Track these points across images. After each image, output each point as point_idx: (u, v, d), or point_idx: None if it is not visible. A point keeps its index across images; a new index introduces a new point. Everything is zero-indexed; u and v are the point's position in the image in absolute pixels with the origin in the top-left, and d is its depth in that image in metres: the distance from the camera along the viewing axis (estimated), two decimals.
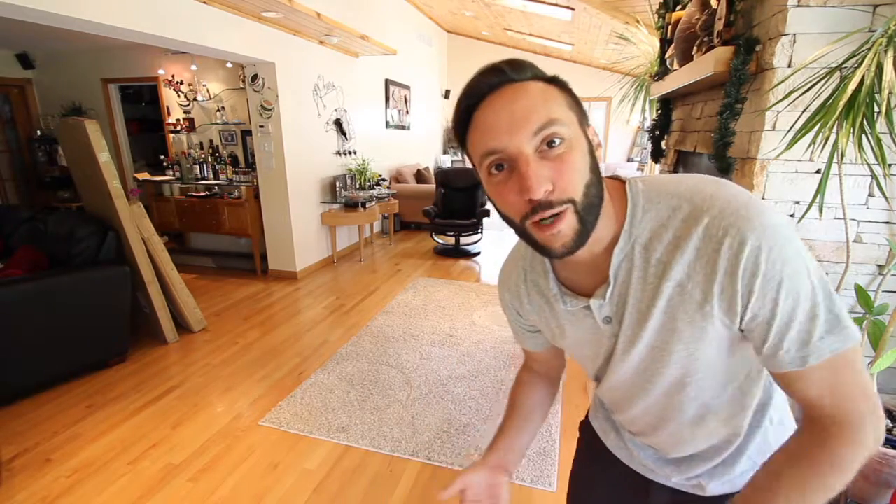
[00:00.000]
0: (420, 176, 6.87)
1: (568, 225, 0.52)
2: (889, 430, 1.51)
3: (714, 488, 0.70)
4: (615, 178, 0.61)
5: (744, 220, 0.50)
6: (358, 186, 5.12)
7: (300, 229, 4.44)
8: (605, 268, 0.59)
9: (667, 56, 2.37)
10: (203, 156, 4.93)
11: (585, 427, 0.92)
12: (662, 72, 2.50)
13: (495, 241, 5.84)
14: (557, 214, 0.51)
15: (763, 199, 1.55)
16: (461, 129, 0.56)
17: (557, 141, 0.50)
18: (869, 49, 1.22)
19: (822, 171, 1.44)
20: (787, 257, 0.49)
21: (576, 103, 0.55)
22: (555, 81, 0.55)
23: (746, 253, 0.50)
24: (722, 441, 0.67)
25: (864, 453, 0.51)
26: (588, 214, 0.52)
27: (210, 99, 5.08)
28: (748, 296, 0.51)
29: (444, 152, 9.29)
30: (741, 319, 0.53)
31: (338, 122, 4.94)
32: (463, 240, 5.48)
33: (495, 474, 0.76)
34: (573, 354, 0.74)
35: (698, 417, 0.65)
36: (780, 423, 0.69)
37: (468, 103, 0.54)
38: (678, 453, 0.71)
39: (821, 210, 1.42)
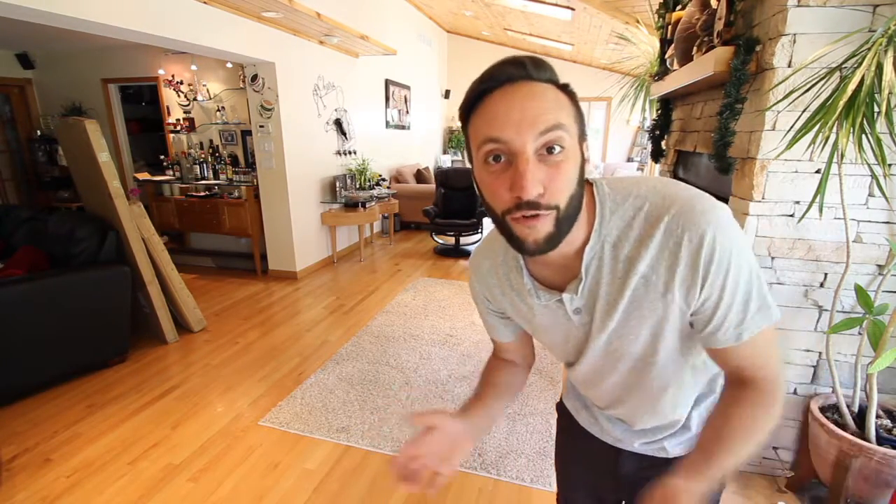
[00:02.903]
0: (420, 176, 6.87)
1: (544, 226, 0.54)
2: (889, 430, 1.51)
3: (674, 450, 0.80)
4: None
5: (699, 216, 0.56)
6: (358, 186, 5.12)
7: (300, 229, 4.44)
8: (575, 266, 0.63)
9: (667, 56, 2.37)
10: (203, 156, 4.93)
11: (561, 407, 0.98)
12: (662, 72, 2.50)
13: None
14: (539, 214, 0.53)
15: (763, 199, 1.55)
16: (468, 109, 0.57)
17: (558, 148, 0.52)
18: (869, 49, 1.22)
19: (822, 171, 1.44)
20: (734, 248, 0.56)
21: (580, 116, 0.57)
22: (566, 89, 0.57)
23: (705, 246, 0.56)
24: (680, 409, 0.76)
25: (781, 399, 0.64)
26: (564, 223, 0.56)
27: (210, 99, 5.08)
28: (703, 282, 0.57)
29: (444, 152, 9.29)
30: (695, 304, 0.60)
31: (338, 122, 4.94)
32: (463, 240, 5.48)
33: (465, 439, 0.72)
34: (545, 342, 0.78)
35: (660, 390, 0.72)
36: None
37: (484, 87, 0.55)
38: (643, 425, 0.79)
39: (821, 210, 1.42)
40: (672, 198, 0.58)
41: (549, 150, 0.52)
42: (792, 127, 1.42)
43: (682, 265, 0.57)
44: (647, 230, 0.59)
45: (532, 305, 0.71)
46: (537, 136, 0.51)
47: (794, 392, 1.72)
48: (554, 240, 0.56)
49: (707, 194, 0.59)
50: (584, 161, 0.57)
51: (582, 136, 0.57)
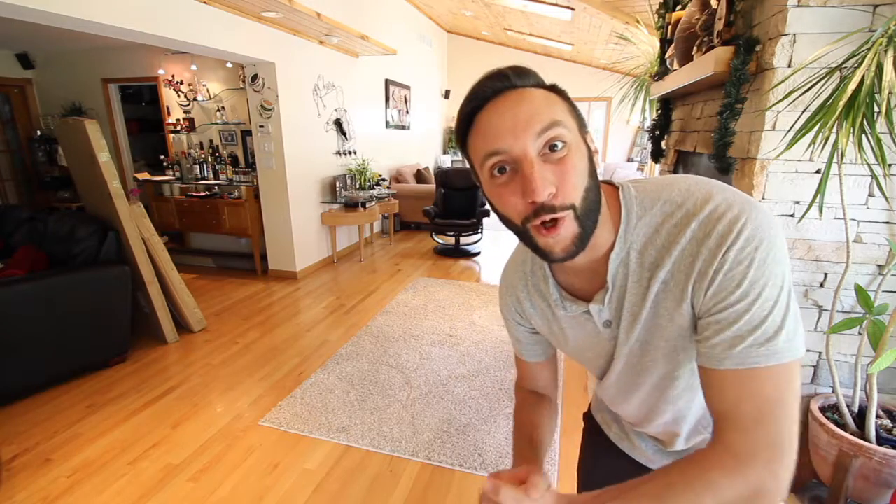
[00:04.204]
0: (420, 176, 6.87)
1: (568, 230, 0.53)
2: (889, 430, 1.51)
3: None
4: (608, 183, 0.62)
5: (727, 223, 0.51)
6: (358, 186, 5.12)
7: (300, 229, 4.44)
8: (603, 273, 0.60)
9: (667, 56, 2.37)
10: (203, 156, 4.93)
11: (589, 418, 0.94)
12: (662, 72, 2.50)
13: (495, 241, 5.84)
14: (558, 219, 0.52)
15: (763, 199, 1.55)
16: (463, 132, 0.57)
17: (560, 144, 0.51)
18: (869, 49, 1.21)
19: (822, 171, 1.43)
20: (758, 261, 0.49)
21: (575, 110, 0.56)
22: (555, 89, 0.56)
23: (722, 253, 0.51)
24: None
25: (754, 485, 0.47)
26: (587, 219, 0.53)
27: (210, 99, 5.08)
28: (709, 289, 0.52)
29: (444, 152, 9.29)
30: (701, 300, 0.53)
31: (338, 122, 4.94)
32: (463, 240, 5.48)
33: None
34: (576, 357, 0.75)
35: (688, 410, 0.67)
36: None
37: (472, 106, 0.55)
38: (677, 446, 0.73)
39: (821, 210, 1.42)
40: (706, 199, 0.54)
41: (552, 147, 0.51)
42: (792, 127, 1.42)
43: (696, 271, 0.53)
44: (674, 236, 0.55)
45: (560, 317, 0.69)
46: (536, 138, 0.51)
47: None
48: (582, 239, 0.54)
49: (753, 199, 0.54)
50: (591, 152, 0.55)
51: (582, 129, 0.55)
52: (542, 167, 0.51)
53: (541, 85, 0.55)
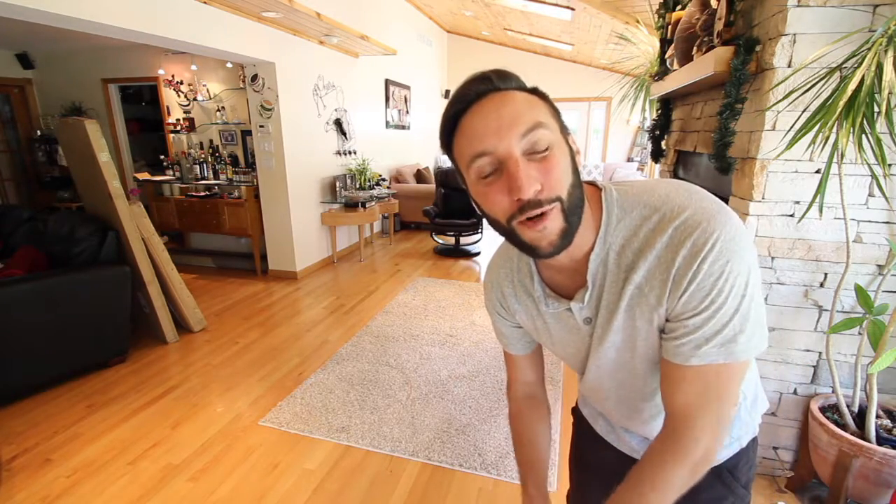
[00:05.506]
0: (420, 176, 6.88)
1: (554, 223, 0.54)
2: (889, 430, 1.51)
3: None
4: (591, 183, 0.63)
5: (701, 233, 0.53)
6: (358, 186, 5.12)
7: (300, 229, 4.44)
8: (583, 272, 0.62)
9: (667, 56, 2.37)
10: (203, 156, 4.92)
11: (577, 413, 0.96)
12: (662, 72, 2.50)
13: (495, 241, 5.83)
14: (545, 212, 0.53)
15: (763, 199, 1.55)
16: (448, 135, 0.58)
17: (544, 144, 0.53)
18: (869, 49, 1.21)
19: (822, 171, 1.44)
20: (727, 273, 0.53)
21: (556, 113, 0.57)
22: (536, 92, 0.57)
23: (696, 264, 0.53)
24: None
25: (702, 464, 0.58)
26: (572, 214, 0.55)
27: (210, 99, 5.08)
28: (690, 283, 0.55)
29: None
30: (674, 306, 0.57)
31: (338, 122, 4.94)
32: (463, 240, 5.48)
33: None
34: (559, 354, 0.77)
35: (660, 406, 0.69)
36: (754, 400, 0.74)
37: (456, 109, 0.56)
38: None
39: (821, 210, 1.42)
40: (683, 207, 0.56)
41: (535, 148, 0.53)
42: (792, 127, 1.42)
43: (671, 280, 0.55)
44: (650, 240, 0.57)
45: (543, 313, 0.71)
46: (520, 139, 0.52)
47: (795, 392, 1.72)
48: (567, 234, 0.55)
49: (727, 207, 0.56)
50: (573, 153, 0.57)
51: (564, 131, 0.57)
52: (527, 165, 0.52)
53: (522, 88, 0.57)
